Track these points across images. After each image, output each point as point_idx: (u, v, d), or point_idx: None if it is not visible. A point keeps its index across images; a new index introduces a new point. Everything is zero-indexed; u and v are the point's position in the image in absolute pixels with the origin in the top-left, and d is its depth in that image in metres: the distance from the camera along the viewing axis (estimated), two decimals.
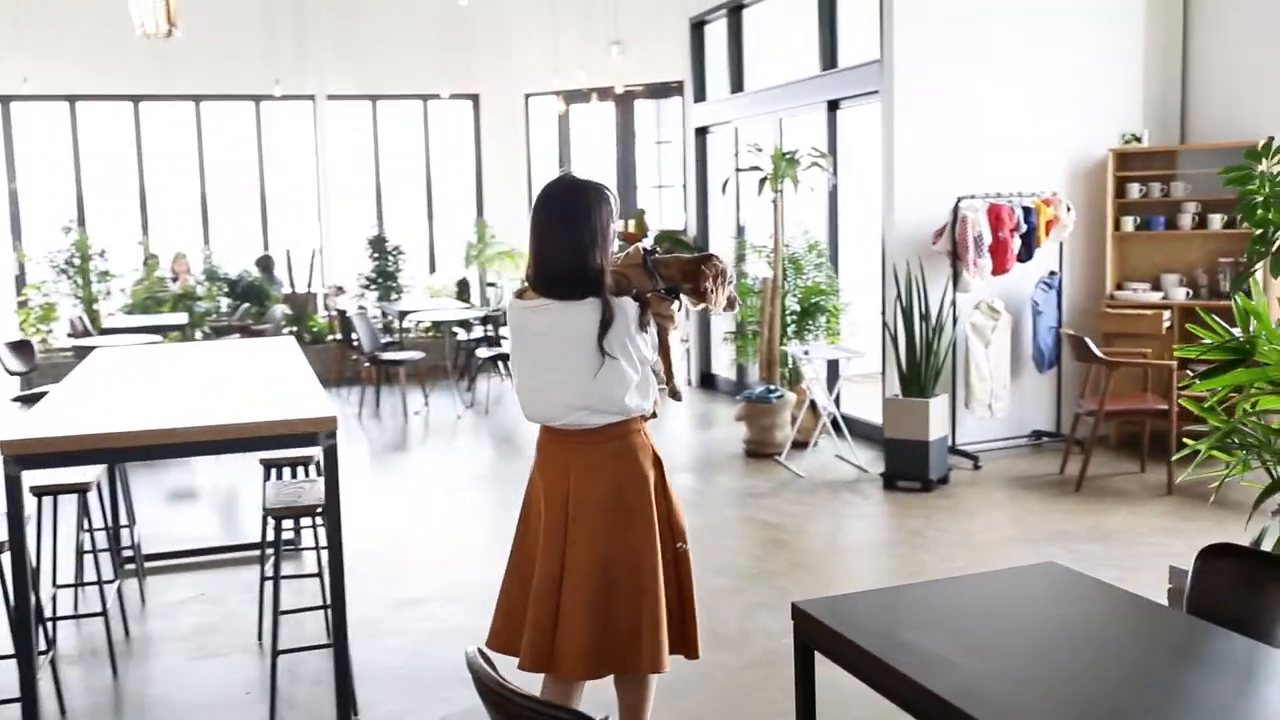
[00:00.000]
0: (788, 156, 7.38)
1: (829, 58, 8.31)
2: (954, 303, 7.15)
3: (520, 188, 15.23)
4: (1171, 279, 7.62)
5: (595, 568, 2.96)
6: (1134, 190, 7.65)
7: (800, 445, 7.75)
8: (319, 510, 3.79)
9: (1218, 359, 3.26)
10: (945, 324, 6.97)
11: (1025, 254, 7.30)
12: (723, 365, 10.42)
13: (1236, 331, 3.40)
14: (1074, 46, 7.65)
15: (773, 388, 7.74)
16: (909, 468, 6.73)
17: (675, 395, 3.24)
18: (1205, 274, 7.58)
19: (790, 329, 8.15)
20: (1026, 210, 7.28)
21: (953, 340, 7.17)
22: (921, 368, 6.80)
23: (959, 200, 7.13)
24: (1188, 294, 7.52)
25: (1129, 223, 7.68)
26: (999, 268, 7.19)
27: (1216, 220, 7.41)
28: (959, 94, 7.39)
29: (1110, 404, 6.61)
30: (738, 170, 7.65)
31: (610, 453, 3.00)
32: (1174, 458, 6.64)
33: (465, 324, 10.63)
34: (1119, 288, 7.74)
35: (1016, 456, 7.48)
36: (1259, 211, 3.11)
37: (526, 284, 3.06)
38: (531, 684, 2.60)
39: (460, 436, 8.92)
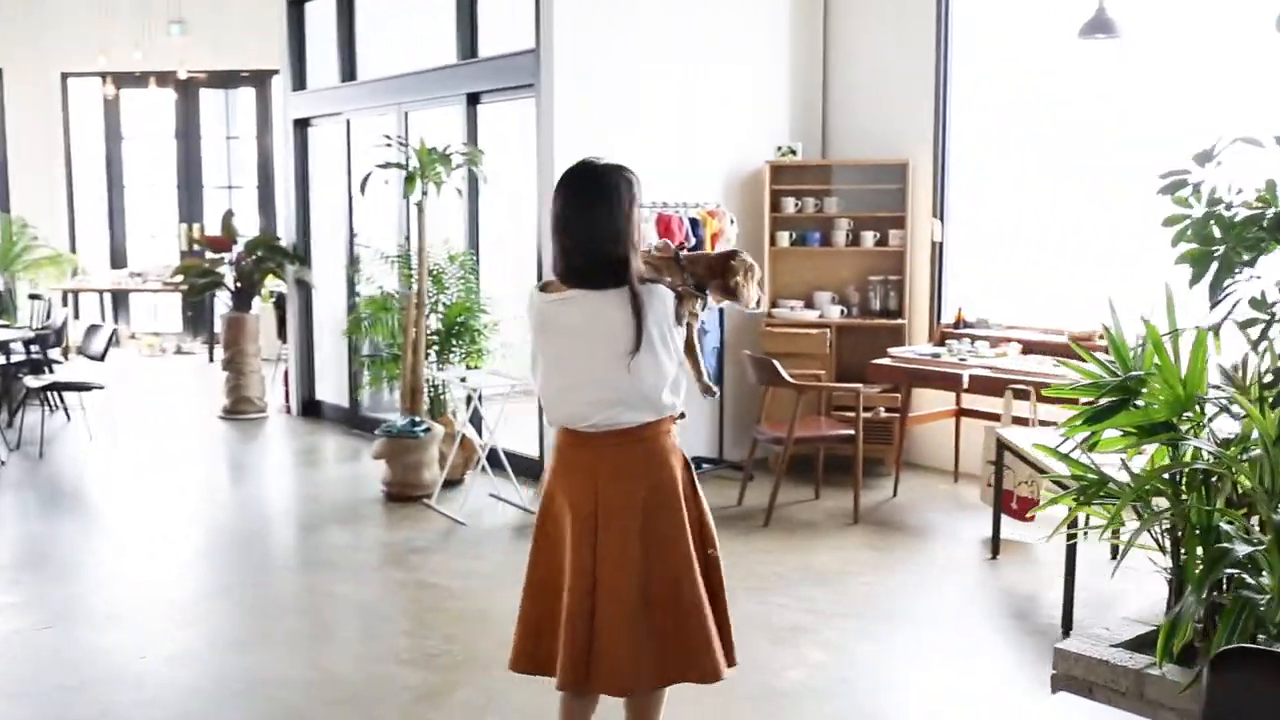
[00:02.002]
0: (438, 153, 6.36)
1: (469, 46, 7.38)
2: None
3: (58, 182, 12.95)
4: (824, 296, 7.45)
5: (631, 581, 2.82)
6: (789, 205, 7.40)
7: (450, 484, 6.76)
8: None
9: (1108, 399, 2.74)
10: None
11: None
12: (329, 390, 9.15)
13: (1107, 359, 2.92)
14: (731, 55, 7.30)
15: (418, 420, 6.68)
16: None
17: (709, 391, 3.19)
18: (857, 291, 7.47)
19: (433, 351, 7.12)
20: (694, 222, 6.78)
21: None
22: None
23: None
24: (842, 312, 7.38)
25: (785, 238, 7.41)
26: None
27: (869, 237, 7.31)
28: (623, 94, 6.77)
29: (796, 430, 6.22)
30: (379, 166, 6.53)
31: (641, 455, 2.87)
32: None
33: (3, 345, 8.58)
34: (774, 305, 7.46)
35: None
36: (1199, 229, 2.59)
37: (554, 277, 2.93)
38: None
39: (3, 492, 7.02)
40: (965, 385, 6.22)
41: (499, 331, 7.28)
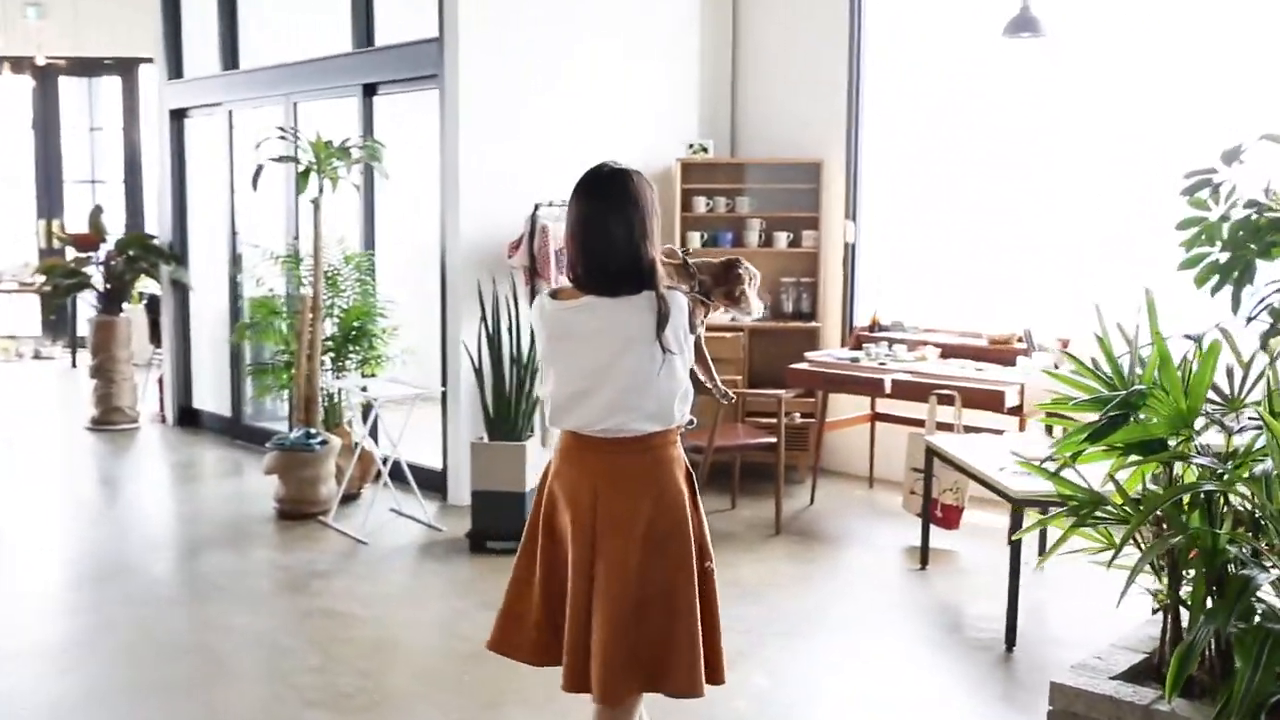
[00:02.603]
0: (337, 147, 5.95)
1: (364, 34, 6.96)
2: None
3: None
4: None
5: (626, 587, 2.74)
6: (701, 204, 7.17)
7: (348, 499, 6.36)
8: None
9: (1111, 414, 2.55)
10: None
11: None
12: (209, 398, 8.60)
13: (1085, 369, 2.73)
14: (640, 50, 7.06)
15: (313, 432, 6.25)
16: (501, 524, 5.61)
17: (727, 397, 3.25)
18: (769, 294, 7.27)
19: (328, 358, 6.68)
20: None
21: None
22: (513, 405, 5.73)
23: (537, 207, 6.16)
24: None
25: (696, 238, 7.19)
26: None
27: (782, 238, 7.13)
28: (530, 88, 6.45)
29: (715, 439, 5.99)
30: (273, 159, 6.07)
31: (648, 463, 2.80)
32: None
33: None
34: None
35: None
36: (1231, 233, 2.41)
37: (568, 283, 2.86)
38: None
39: None
40: (888, 390, 6.07)
41: (399, 337, 6.89)
